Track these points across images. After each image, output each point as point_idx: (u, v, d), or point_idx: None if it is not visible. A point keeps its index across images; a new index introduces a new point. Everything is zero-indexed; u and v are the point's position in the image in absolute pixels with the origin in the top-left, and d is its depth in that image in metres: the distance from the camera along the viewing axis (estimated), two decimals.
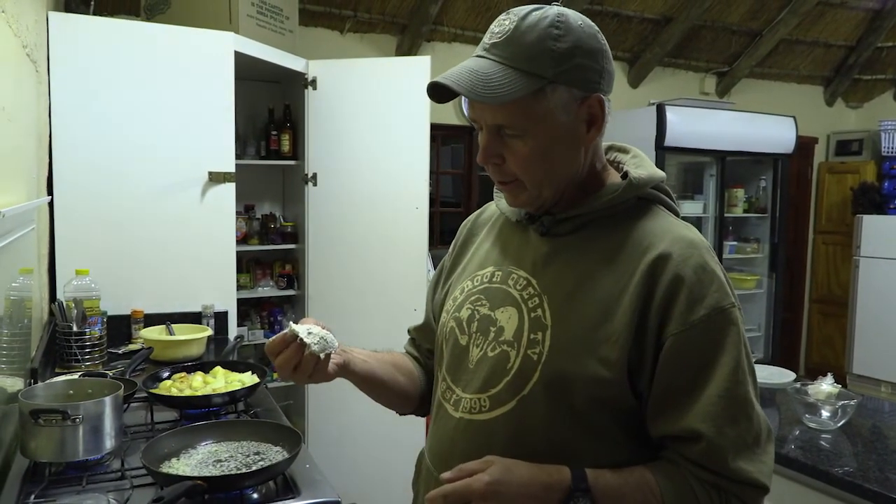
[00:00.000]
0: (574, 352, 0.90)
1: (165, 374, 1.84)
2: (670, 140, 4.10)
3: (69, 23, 2.41)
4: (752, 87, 5.37)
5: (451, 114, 4.27)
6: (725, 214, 4.55)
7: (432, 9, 4.00)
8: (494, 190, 1.12)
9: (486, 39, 0.92)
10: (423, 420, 1.46)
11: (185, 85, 2.59)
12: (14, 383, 1.51)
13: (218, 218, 2.69)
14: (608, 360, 0.89)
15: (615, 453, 0.92)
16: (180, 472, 1.24)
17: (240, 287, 3.26)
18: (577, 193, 0.98)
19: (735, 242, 4.75)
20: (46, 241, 2.35)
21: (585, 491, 0.86)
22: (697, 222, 4.59)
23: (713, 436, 0.86)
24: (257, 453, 1.34)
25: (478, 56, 0.92)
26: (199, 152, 2.63)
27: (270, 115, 3.53)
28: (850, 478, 1.54)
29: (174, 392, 1.70)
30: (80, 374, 1.89)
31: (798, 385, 1.96)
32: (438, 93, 0.92)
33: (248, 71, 3.01)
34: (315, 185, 3.28)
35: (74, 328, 2.10)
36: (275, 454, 1.33)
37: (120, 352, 2.34)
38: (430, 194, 3.24)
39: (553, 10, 0.91)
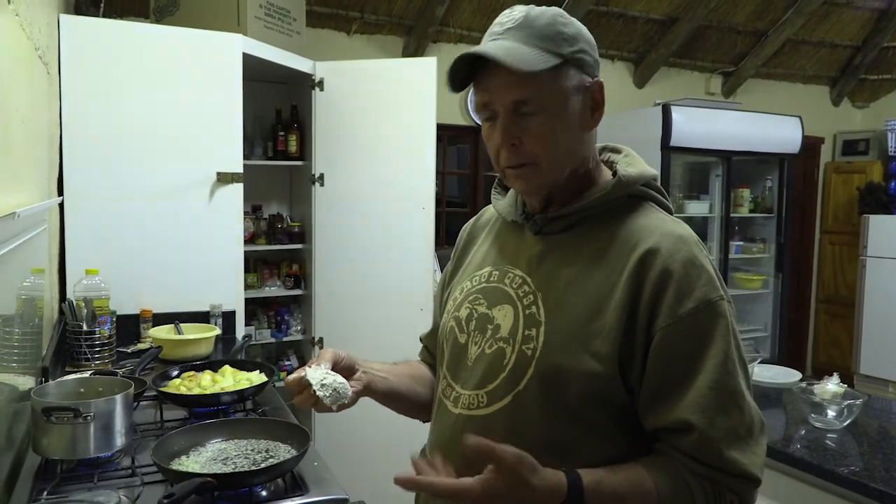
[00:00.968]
0: (567, 347, 0.92)
1: (174, 373, 1.85)
2: (676, 140, 4.10)
3: (80, 25, 2.44)
4: (758, 87, 5.37)
5: (457, 114, 4.28)
6: (731, 214, 4.54)
7: (438, 10, 4.01)
8: (492, 192, 1.16)
9: (497, 29, 0.96)
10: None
11: (193, 86, 2.61)
12: (25, 381, 1.52)
13: (226, 218, 2.71)
14: (600, 355, 0.91)
15: (609, 448, 0.93)
16: (190, 470, 1.26)
17: (247, 287, 3.28)
18: (570, 191, 1.00)
19: (741, 242, 4.74)
20: (57, 241, 2.38)
21: (579, 493, 0.86)
22: (703, 222, 4.58)
23: (705, 427, 0.88)
24: (266, 451, 1.35)
25: (493, 40, 0.95)
26: (208, 153, 2.65)
27: (278, 116, 3.55)
28: (856, 477, 1.54)
29: (183, 390, 1.72)
30: (90, 372, 1.91)
31: (804, 385, 1.96)
32: (462, 74, 0.96)
33: (255, 72, 3.03)
34: (322, 185, 3.30)
35: (84, 327, 2.12)
36: (283, 452, 1.35)
37: (129, 351, 2.36)
38: (437, 194, 3.25)
39: (549, 6, 0.98)
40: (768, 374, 2.28)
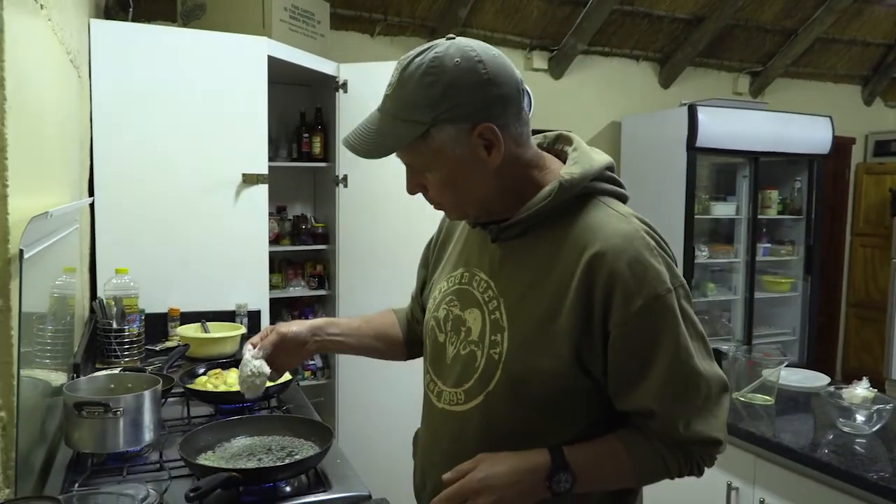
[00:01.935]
0: (529, 351, 1.00)
1: (201, 371, 1.88)
2: (702, 141, 4.06)
3: (109, 29, 2.49)
4: (787, 86, 5.29)
5: None
6: (759, 216, 4.47)
7: (461, 11, 4.02)
8: None
9: (387, 90, 1.01)
10: None
11: (220, 89, 2.65)
12: (58, 377, 1.56)
13: (251, 219, 2.75)
14: (560, 355, 0.98)
15: (580, 430, 1.03)
16: (216, 465, 1.28)
17: (272, 287, 3.31)
18: (513, 201, 1.04)
19: (769, 245, 4.67)
20: (88, 241, 2.43)
21: (565, 467, 0.98)
22: (730, 224, 4.53)
23: (663, 411, 0.98)
24: (290, 447, 1.37)
25: (379, 109, 1.03)
26: (234, 154, 2.69)
27: (302, 118, 3.59)
28: (885, 483, 1.52)
29: (209, 388, 1.75)
30: (119, 369, 1.95)
31: (832, 389, 1.93)
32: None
33: (280, 75, 3.06)
34: (346, 186, 3.32)
35: (114, 325, 2.16)
36: (307, 449, 1.36)
37: (157, 348, 2.41)
38: None
39: (430, 54, 0.96)
40: (796, 377, 2.24)
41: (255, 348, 1.22)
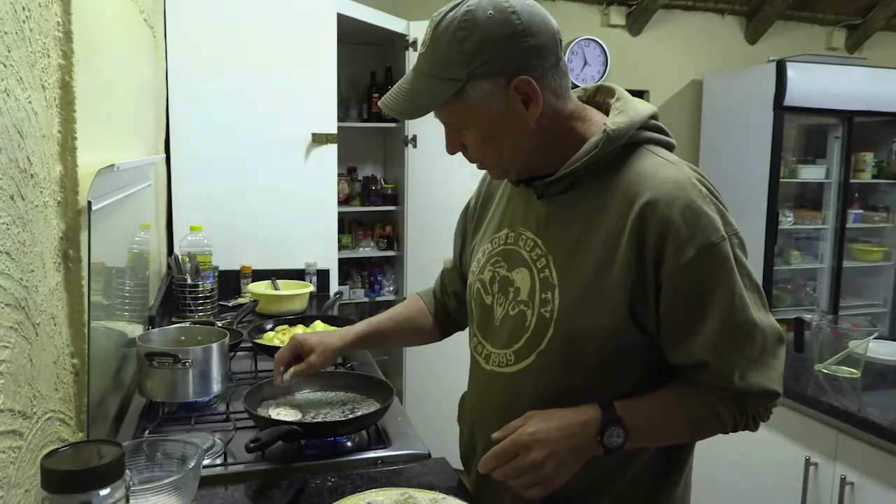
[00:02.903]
0: (581, 308, 0.98)
1: (269, 326, 1.92)
2: (791, 100, 3.82)
3: None
4: (889, 40, 4.89)
5: None
6: (851, 180, 4.20)
7: None
8: None
9: (421, 49, 0.99)
10: None
11: (290, 48, 2.66)
12: (134, 329, 1.62)
13: (321, 179, 2.77)
14: (613, 310, 0.96)
15: (632, 386, 1.01)
16: (279, 417, 1.30)
17: (342, 247, 3.35)
18: (557, 157, 1.01)
19: (860, 211, 4.38)
20: (164, 199, 2.50)
21: (617, 421, 0.96)
22: (818, 188, 4.28)
23: (718, 362, 0.96)
24: (352, 404, 1.38)
25: (413, 68, 1.00)
26: (303, 114, 2.71)
27: (372, 78, 3.57)
28: None
29: (277, 343, 1.78)
30: (191, 322, 2.02)
31: None
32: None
33: (350, 35, 3.04)
34: (415, 146, 3.30)
35: (189, 280, 2.23)
36: (368, 405, 1.37)
37: (229, 304, 2.47)
38: None
39: (462, 8, 0.94)
40: (885, 350, 2.10)
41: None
